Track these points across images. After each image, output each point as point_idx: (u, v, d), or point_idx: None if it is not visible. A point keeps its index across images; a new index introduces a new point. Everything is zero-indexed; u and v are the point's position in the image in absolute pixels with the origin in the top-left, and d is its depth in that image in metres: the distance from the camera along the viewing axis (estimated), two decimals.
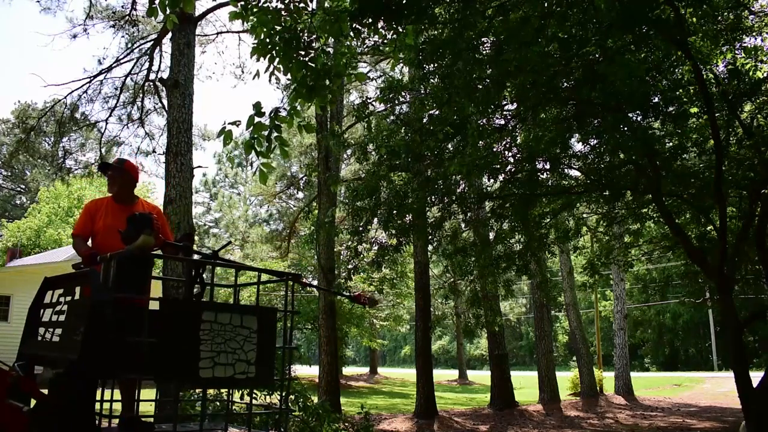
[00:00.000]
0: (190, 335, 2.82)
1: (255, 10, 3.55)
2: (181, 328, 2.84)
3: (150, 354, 2.78)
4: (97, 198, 4.36)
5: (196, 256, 3.68)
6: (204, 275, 3.36)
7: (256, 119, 3.46)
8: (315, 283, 23.55)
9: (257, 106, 3.47)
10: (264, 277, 3.62)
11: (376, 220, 8.42)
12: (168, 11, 3.40)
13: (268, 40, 3.58)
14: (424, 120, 7.93)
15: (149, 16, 3.46)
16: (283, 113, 3.58)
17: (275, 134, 3.52)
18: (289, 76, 3.76)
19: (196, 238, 12.81)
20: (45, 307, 3.32)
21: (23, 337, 3.37)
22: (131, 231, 3.13)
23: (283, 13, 3.62)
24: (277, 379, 3.55)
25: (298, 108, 3.72)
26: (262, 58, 3.63)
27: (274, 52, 3.58)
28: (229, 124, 3.38)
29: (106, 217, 3.92)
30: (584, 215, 11.07)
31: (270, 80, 3.76)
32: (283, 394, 3.54)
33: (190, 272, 3.42)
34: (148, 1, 3.50)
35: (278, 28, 3.58)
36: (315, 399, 8.27)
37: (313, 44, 3.76)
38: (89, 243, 3.97)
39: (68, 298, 3.12)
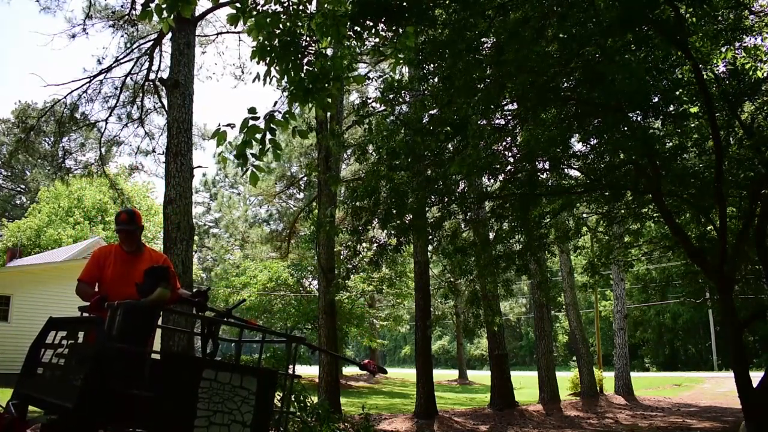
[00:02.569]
0: (188, 392, 2.80)
1: (254, 13, 3.54)
2: (181, 384, 2.82)
3: (146, 406, 2.75)
4: (104, 245, 4.37)
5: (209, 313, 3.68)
6: (217, 333, 3.36)
7: (251, 122, 3.45)
8: (315, 284, 23.58)
9: (252, 111, 3.47)
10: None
11: (375, 219, 8.41)
12: (165, 15, 3.39)
13: (266, 42, 3.56)
14: (424, 120, 7.92)
15: (141, 19, 3.45)
16: (279, 116, 3.57)
17: (269, 137, 3.51)
18: (286, 78, 3.74)
19: (196, 238, 12.81)
20: (46, 347, 3.28)
21: (21, 375, 3.31)
22: (148, 284, 3.14)
23: (281, 16, 3.61)
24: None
25: (296, 111, 3.72)
26: (261, 61, 3.62)
27: (273, 54, 3.57)
28: (223, 126, 3.38)
29: (115, 266, 3.91)
30: (584, 215, 11.06)
31: (268, 83, 3.73)
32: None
33: (203, 330, 3.43)
34: (141, 6, 3.48)
35: (277, 31, 3.57)
36: (315, 399, 8.27)
37: (312, 47, 3.76)
38: (96, 289, 3.97)
39: (70, 341, 3.08)
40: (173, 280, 3.94)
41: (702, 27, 6.47)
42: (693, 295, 15.40)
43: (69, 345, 3.04)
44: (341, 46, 4.02)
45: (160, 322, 3.56)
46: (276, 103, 3.72)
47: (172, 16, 3.51)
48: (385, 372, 4.71)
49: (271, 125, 3.49)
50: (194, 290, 4.00)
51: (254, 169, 3.52)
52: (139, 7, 12.77)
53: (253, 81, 3.70)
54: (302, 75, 3.64)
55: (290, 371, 3.46)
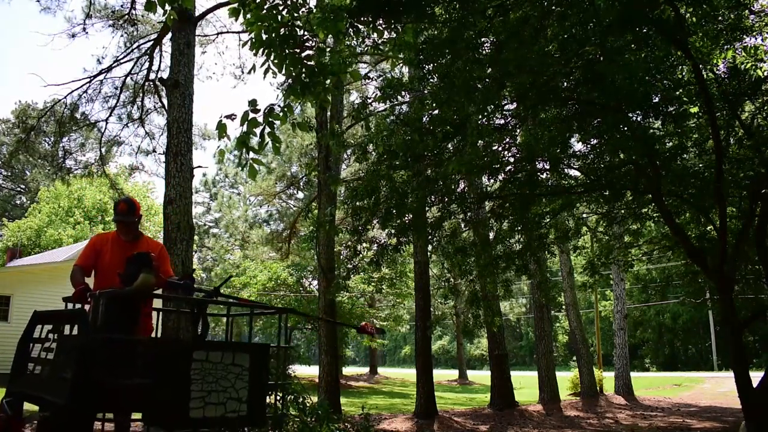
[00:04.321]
0: (180, 375, 2.78)
1: (253, 6, 3.56)
2: (172, 368, 2.79)
3: (139, 394, 2.72)
4: (101, 233, 4.40)
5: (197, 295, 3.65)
6: (206, 314, 3.35)
7: (251, 115, 3.48)
8: (315, 284, 23.55)
9: (253, 103, 3.49)
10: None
11: (375, 219, 8.41)
12: (167, 7, 3.41)
13: (264, 36, 3.58)
14: (424, 120, 7.92)
15: (147, 10, 3.46)
16: (278, 110, 3.59)
17: (268, 131, 3.53)
18: (284, 73, 3.76)
19: (196, 238, 12.81)
20: (34, 342, 3.25)
21: (12, 373, 3.28)
22: (131, 271, 3.10)
23: (280, 8, 3.62)
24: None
25: (293, 106, 3.73)
26: (258, 54, 3.64)
27: (270, 48, 3.58)
28: (224, 117, 3.40)
29: (112, 253, 3.93)
30: (584, 215, 11.05)
31: (264, 77, 3.75)
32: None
33: (192, 312, 3.43)
34: None
35: (275, 24, 3.58)
36: (315, 399, 8.27)
37: (310, 42, 3.77)
38: (92, 276, 3.98)
39: (57, 335, 3.06)
40: (165, 265, 3.94)
41: (702, 27, 6.46)
42: (693, 295, 15.39)
43: (57, 338, 3.02)
44: (339, 41, 4.03)
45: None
46: (278, 97, 3.72)
47: (173, 11, 3.52)
48: (383, 332, 4.66)
49: (270, 119, 3.51)
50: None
51: (253, 163, 3.53)
52: (138, 7, 12.80)
53: (248, 73, 3.71)
54: (300, 69, 3.66)
55: (283, 343, 3.46)
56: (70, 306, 3.36)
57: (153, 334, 4.10)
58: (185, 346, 2.95)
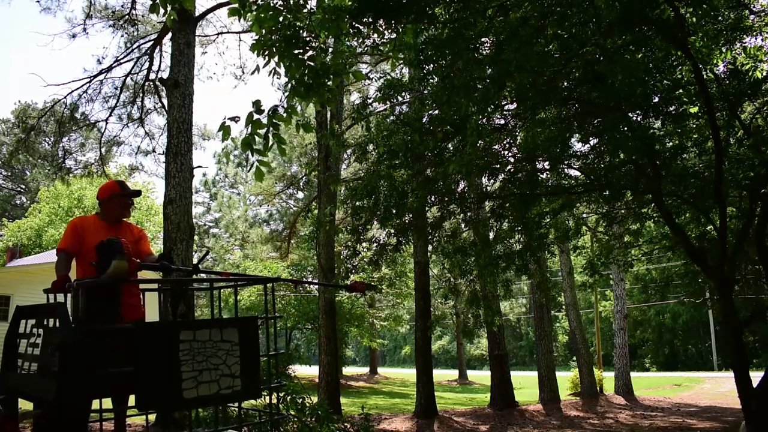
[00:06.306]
0: (168, 358, 2.74)
1: (254, 7, 3.55)
2: (159, 352, 2.75)
3: (128, 381, 2.69)
4: (81, 216, 4.38)
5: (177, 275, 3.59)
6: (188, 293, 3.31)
7: (255, 117, 3.46)
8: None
9: (257, 104, 3.47)
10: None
11: (375, 219, 8.41)
12: (168, 8, 3.42)
13: (268, 36, 3.57)
14: (424, 120, 7.92)
15: (152, 12, 3.46)
16: (281, 111, 3.58)
17: (273, 132, 3.52)
18: (287, 74, 3.75)
19: (196, 238, 12.80)
20: (20, 337, 3.22)
21: (2, 370, 3.25)
22: (103, 259, 3.02)
23: (282, 10, 3.62)
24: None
25: (297, 107, 3.72)
26: (261, 55, 3.63)
27: (274, 49, 3.58)
28: (228, 119, 3.39)
29: (96, 235, 3.86)
30: (584, 215, 11.05)
31: (272, 79, 3.76)
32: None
33: (173, 293, 3.40)
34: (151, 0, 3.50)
35: (277, 25, 3.58)
36: (315, 399, 8.27)
37: (312, 43, 3.76)
38: (74, 260, 3.95)
39: (41, 329, 3.02)
40: (145, 246, 3.92)
41: (702, 27, 6.46)
42: (693, 295, 15.39)
43: (41, 333, 2.99)
44: (341, 42, 4.03)
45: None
46: (281, 99, 3.73)
47: (174, 11, 3.53)
48: (374, 288, 4.58)
49: (274, 120, 3.50)
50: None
51: (259, 165, 3.52)
52: (139, 7, 12.80)
53: (252, 73, 3.70)
54: (304, 70, 3.65)
55: (269, 314, 3.40)
56: (52, 297, 3.32)
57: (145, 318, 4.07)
58: (170, 328, 2.91)
